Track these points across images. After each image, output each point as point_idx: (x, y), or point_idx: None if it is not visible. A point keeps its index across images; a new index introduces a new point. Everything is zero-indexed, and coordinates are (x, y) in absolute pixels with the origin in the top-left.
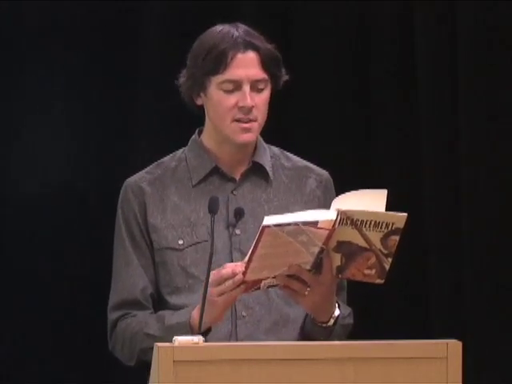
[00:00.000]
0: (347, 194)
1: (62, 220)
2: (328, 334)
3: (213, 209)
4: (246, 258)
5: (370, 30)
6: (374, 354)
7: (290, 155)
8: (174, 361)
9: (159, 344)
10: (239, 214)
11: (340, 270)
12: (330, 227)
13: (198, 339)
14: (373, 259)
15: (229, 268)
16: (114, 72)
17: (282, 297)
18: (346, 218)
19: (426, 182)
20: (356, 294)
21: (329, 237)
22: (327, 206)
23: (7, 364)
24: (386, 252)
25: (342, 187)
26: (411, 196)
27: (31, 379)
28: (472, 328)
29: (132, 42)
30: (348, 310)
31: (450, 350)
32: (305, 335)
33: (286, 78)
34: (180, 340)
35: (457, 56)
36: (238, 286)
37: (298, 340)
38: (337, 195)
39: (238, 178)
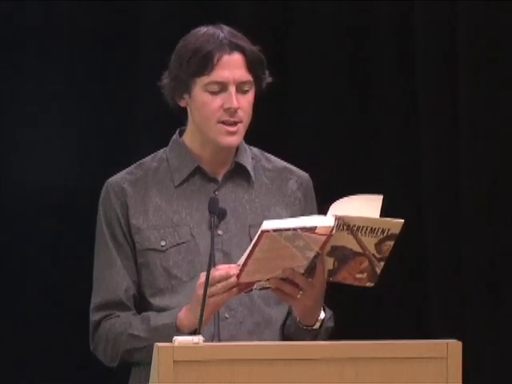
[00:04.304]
0: (344, 199)
1: (61, 220)
2: (313, 337)
3: (213, 209)
4: (242, 261)
5: (370, 30)
6: (374, 354)
7: (270, 156)
8: (173, 361)
9: (159, 344)
10: (222, 214)
11: (331, 273)
12: (328, 233)
13: (198, 339)
14: (365, 263)
15: (222, 270)
16: (114, 72)
17: (263, 298)
18: (342, 224)
19: (426, 182)
20: (356, 294)
21: (325, 242)
22: (308, 208)
23: (6, 364)
24: (379, 256)
25: (341, 189)
26: (411, 196)
27: (31, 379)
28: (472, 328)
29: (132, 41)
30: (330, 312)
31: (450, 350)
32: (288, 338)
33: (269, 79)
34: (180, 340)
35: (457, 56)
36: (231, 288)
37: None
38: (333, 196)
39: (219, 178)
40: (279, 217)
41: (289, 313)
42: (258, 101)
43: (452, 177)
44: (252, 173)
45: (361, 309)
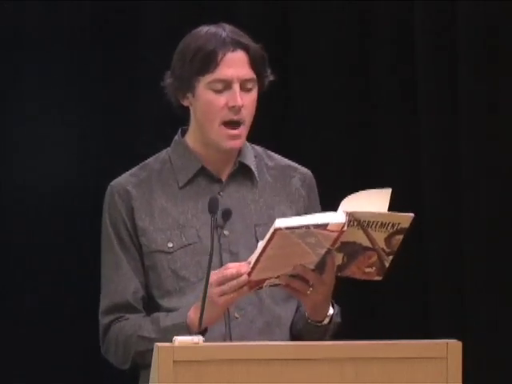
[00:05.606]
0: (353, 195)
1: (61, 220)
2: (323, 332)
3: (213, 209)
4: (253, 259)
5: (370, 30)
6: (373, 354)
7: (273, 154)
8: (173, 361)
9: (159, 344)
10: (227, 214)
11: (340, 268)
12: (339, 229)
13: (198, 339)
14: (374, 258)
15: (233, 268)
16: (114, 72)
17: (271, 297)
18: (353, 220)
19: (426, 182)
20: (356, 294)
21: (337, 239)
22: (311, 205)
23: (5, 365)
24: (388, 250)
25: (342, 189)
26: (411, 197)
27: (30, 380)
28: (472, 328)
29: (132, 41)
30: (337, 308)
31: (450, 350)
32: (297, 335)
33: (271, 78)
34: (180, 340)
35: (457, 56)
36: (242, 286)
37: (290, 340)
38: (333, 195)
39: (224, 178)
40: (284, 215)
41: (296, 310)
42: (259, 100)
43: (452, 176)
44: (256, 172)
45: (361, 309)
